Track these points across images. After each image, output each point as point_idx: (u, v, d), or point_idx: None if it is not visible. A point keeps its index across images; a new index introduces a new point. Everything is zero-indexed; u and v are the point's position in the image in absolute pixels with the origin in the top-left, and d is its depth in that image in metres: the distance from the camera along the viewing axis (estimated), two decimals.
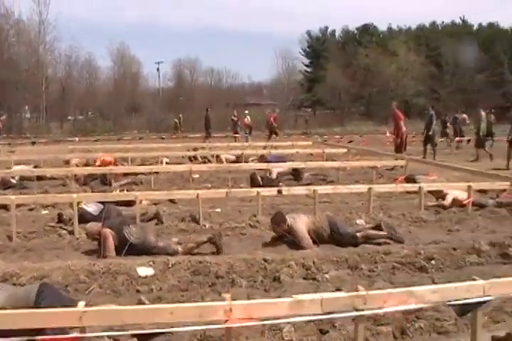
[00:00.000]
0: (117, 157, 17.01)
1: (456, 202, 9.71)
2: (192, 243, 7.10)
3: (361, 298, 3.77)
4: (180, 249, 6.95)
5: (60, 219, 8.74)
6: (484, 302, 3.98)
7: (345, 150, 19.27)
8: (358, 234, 7.32)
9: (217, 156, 17.48)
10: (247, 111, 33.40)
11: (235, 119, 31.74)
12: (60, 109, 54.17)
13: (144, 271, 6.03)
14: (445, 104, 56.35)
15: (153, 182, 12.69)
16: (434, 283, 5.63)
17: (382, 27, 71.33)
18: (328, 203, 10.38)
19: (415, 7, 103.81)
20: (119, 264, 6.12)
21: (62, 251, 7.13)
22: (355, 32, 70.85)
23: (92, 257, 6.75)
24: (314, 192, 9.28)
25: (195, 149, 20.20)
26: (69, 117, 56.97)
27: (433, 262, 6.46)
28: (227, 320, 3.55)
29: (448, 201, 9.71)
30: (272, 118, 29.89)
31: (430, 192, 10.07)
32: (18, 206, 8.74)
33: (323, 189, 10.00)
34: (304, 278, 5.96)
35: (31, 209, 10.03)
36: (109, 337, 4.06)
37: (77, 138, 31.13)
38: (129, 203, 9.31)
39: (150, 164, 15.95)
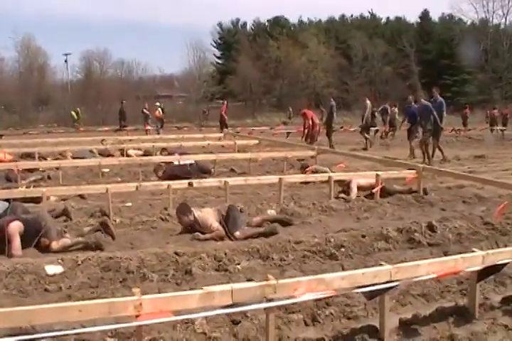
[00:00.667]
0: (24, 152, 16.44)
1: (362, 189, 9.98)
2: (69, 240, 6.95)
3: (271, 287, 3.81)
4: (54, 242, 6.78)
5: None
6: (391, 287, 4.10)
7: (256, 141, 19.38)
8: (237, 235, 7.25)
9: (122, 150, 17.13)
10: (158, 104, 33.01)
11: (147, 112, 31.35)
12: None
13: (53, 269, 5.84)
14: (354, 95, 57.88)
15: (61, 178, 12.33)
16: (343, 269, 5.75)
17: (293, 19, 72.42)
18: (240, 194, 10.40)
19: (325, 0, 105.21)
20: (26, 263, 5.90)
21: None
22: (267, 24, 71.34)
23: None
24: (225, 183, 9.30)
25: (102, 140, 19.67)
26: None
27: (342, 249, 6.58)
28: (138, 315, 3.50)
29: (354, 192, 9.90)
30: (223, 110, 29.88)
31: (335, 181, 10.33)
32: None
33: (234, 180, 10.02)
34: (216, 270, 5.94)
35: None
36: None
37: None
38: (37, 200, 9.02)
39: (56, 158, 15.48)
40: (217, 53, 71.55)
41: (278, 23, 69.48)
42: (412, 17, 75.66)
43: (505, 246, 6.13)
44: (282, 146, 18.35)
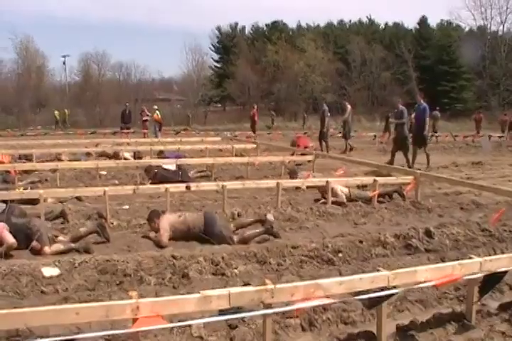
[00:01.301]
0: (21, 154, 16.43)
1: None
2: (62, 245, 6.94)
3: (269, 292, 3.80)
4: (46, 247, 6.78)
5: None
6: (391, 295, 4.10)
7: (254, 145, 19.39)
8: (235, 238, 7.24)
9: (116, 153, 17.11)
10: (156, 107, 32.98)
11: (145, 115, 31.37)
12: None
13: (49, 271, 5.83)
14: (352, 100, 57.90)
15: (58, 180, 12.32)
16: (341, 275, 5.74)
17: (292, 24, 72.50)
18: (237, 198, 10.41)
19: (324, 5, 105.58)
20: (23, 265, 5.89)
21: None
22: (265, 28, 71.45)
23: None
24: (223, 187, 9.29)
25: (97, 145, 19.57)
26: None
27: (340, 255, 6.59)
28: (135, 319, 3.50)
29: (343, 197, 9.91)
30: (254, 115, 30.09)
31: (315, 186, 10.40)
32: None
33: (232, 184, 10.02)
34: (213, 274, 5.94)
35: None
36: None
37: None
38: (34, 202, 9.01)
39: (51, 160, 15.46)
40: (216, 57, 71.79)
41: (276, 27, 69.61)
42: (410, 23, 75.87)
43: (503, 252, 6.14)
44: (280, 151, 18.35)
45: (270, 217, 8.46)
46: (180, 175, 12.33)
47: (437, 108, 33.03)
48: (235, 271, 5.97)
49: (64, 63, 62.08)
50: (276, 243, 6.94)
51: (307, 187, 10.87)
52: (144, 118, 31.35)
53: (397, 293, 4.17)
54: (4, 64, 59.93)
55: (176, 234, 7.28)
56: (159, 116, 31.32)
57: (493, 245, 7.16)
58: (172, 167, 12.98)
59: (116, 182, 12.57)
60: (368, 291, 4.10)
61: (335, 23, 72.44)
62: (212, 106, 67.76)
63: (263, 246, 6.69)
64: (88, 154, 17.27)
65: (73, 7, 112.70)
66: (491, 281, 4.59)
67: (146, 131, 30.16)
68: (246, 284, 5.20)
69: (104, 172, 13.74)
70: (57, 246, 6.83)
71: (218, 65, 71.19)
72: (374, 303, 4.15)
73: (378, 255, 6.76)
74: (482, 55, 57.12)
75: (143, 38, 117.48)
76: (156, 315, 3.54)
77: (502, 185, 11.07)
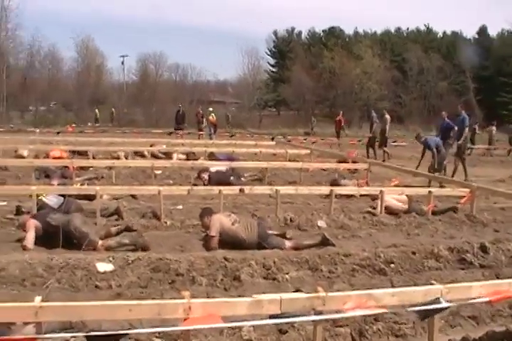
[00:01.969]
0: (80, 150, 16.81)
1: (389, 209, 9.81)
2: (114, 242, 7.04)
3: (320, 299, 3.79)
4: (100, 242, 6.90)
5: (18, 211, 8.57)
6: (445, 308, 4.03)
7: (308, 151, 19.33)
8: (287, 246, 7.16)
9: (168, 154, 17.29)
10: (211, 109, 33.24)
11: (201, 120, 31.57)
12: (21, 99, 53.20)
13: (104, 266, 5.95)
14: (408, 109, 57.24)
15: (114, 177, 12.54)
16: (392, 286, 5.69)
17: (349, 30, 71.99)
18: (290, 203, 10.41)
19: (381, 12, 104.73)
20: (78, 259, 6.03)
21: (19, 244, 6.94)
22: (321, 34, 71.20)
23: (51, 251, 6.61)
24: (276, 192, 9.30)
25: (151, 145, 19.84)
26: (30, 107, 56.01)
27: (392, 265, 6.53)
28: (186, 318, 3.53)
29: (378, 208, 9.73)
30: (342, 122, 30.18)
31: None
32: None
33: (285, 189, 10.02)
34: (265, 278, 5.96)
35: None
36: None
37: (37, 130, 30.50)
38: (90, 197, 9.19)
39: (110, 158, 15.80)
40: (272, 61, 71.84)
41: (333, 33, 69.24)
42: (469, 32, 74.29)
43: None
44: (334, 157, 18.26)
45: (322, 223, 8.44)
46: (231, 177, 12.38)
47: (493, 122, 32.26)
48: (287, 276, 5.99)
49: (122, 63, 63.27)
50: (329, 250, 6.91)
51: (361, 195, 10.77)
52: (200, 121, 31.52)
53: (449, 306, 4.10)
54: (65, 62, 61.56)
55: (224, 240, 7.22)
56: (214, 119, 31.53)
57: None
58: (222, 168, 13.07)
59: (171, 182, 12.72)
60: (419, 304, 4.04)
61: (392, 30, 71.69)
62: (266, 110, 67.83)
63: (315, 253, 6.68)
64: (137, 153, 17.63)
65: (132, 8, 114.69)
66: None
67: (201, 132, 30.41)
68: (297, 290, 5.20)
69: (159, 172, 13.92)
70: (110, 243, 6.96)
71: (274, 70, 71.27)
72: (426, 314, 4.09)
73: (431, 268, 6.68)
74: None
75: (199, 40, 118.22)
76: (211, 315, 3.56)
77: None
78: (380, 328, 4.64)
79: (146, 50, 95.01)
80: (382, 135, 21.81)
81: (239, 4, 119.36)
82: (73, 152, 16.81)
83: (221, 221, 7.32)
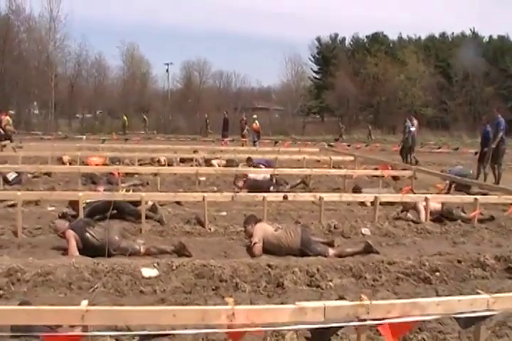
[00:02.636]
0: (125, 157, 17.06)
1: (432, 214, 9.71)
2: (155, 248, 7.11)
3: (364, 308, 3.76)
4: (142, 250, 6.99)
5: (63, 217, 8.73)
6: (489, 316, 3.97)
7: (351, 158, 19.21)
8: (330, 253, 7.12)
9: (208, 161, 17.41)
10: (255, 116, 33.32)
11: (244, 127, 31.69)
12: (69, 107, 54.35)
13: (148, 271, 6.03)
14: (453, 116, 56.44)
15: (159, 184, 12.69)
16: (437, 295, 5.62)
17: (392, 36, 71.36)
18: (334, 211, 10.37)
19: (425, 17, 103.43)
20: (123, 264, 6.13)
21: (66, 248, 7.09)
22: (365, 40, 70.79)
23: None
24: (320, 199, 9.28)
25: (195, 152, 19.95)
26: (77, 115, 57.19)
27: (437, 274, 6.45)
28: (229, 325, 3.55)
29: (423, 214, 9.58)
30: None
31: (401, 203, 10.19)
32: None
33: (329, 196, 9.97)
34: (308, 285, 5.96)
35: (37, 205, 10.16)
36: (111, 336, 4.07)
37: (84, 137, 31.11)
38: (135, 204, 9.29)
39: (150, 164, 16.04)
40: (315, 68, 71.67)
41: (377, 39, 68.77)
42: None
43: None
44: (378, 164, 18.09)
45: (366, 231, 8.38)
46: (271, 187, 12.37)
47: None
48: (330, 283, 5.97)
49: (167, 70, 64.06)
50: (373, 258, 6.86)
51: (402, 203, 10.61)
52: (243, 127, 31.68)
53: (494, 314, 4.02)
54: (111, 70, 62.68)
55: (267, 247, 7.24)
56: (258, 126, 31.61)
57: None
58: (259, 176, 13.13)
59: (215, 188, 12.81)
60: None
61: (437, 35, 70.74)
62: (310, 117, 67.77)
63: (359, 261, 6.64)
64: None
65: (177, 16, 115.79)
66: None
67: (244, 139, 30.53)
68: (341, 298, 5.18)
69: (203, 178, 14.03)
70: (151, 250, 7.06)
71: (317, 76, 71.15)
72: (470, 322, 4.02)
73: (477, 276, 6.57)
74: None
75: (243, 48, 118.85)
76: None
77: None
78: (425, 337, 4.58)
79: (190, 57, 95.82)
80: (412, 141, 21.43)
81: (283, 11, 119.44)
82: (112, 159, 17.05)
83: (264, 227, 7.37)
